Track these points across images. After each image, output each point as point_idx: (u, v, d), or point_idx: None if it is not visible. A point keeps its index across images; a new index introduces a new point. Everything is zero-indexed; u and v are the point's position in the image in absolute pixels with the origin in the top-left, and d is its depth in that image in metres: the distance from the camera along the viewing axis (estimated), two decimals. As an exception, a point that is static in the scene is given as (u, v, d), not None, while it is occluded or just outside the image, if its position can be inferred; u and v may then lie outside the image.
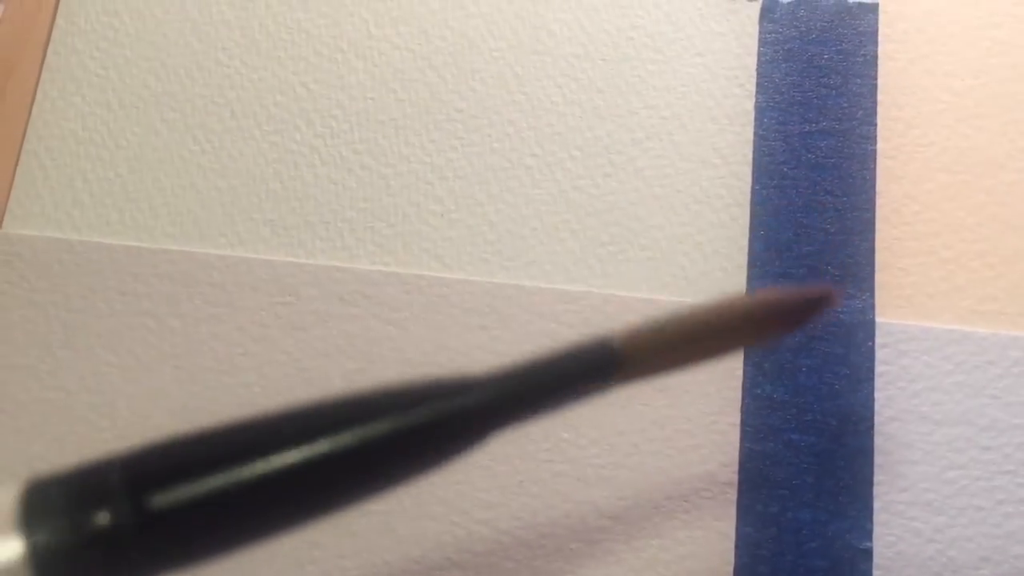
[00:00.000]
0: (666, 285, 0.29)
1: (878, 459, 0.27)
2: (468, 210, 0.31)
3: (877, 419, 0.27)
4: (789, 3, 0.32)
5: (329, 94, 0.32)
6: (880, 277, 0.29)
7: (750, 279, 0.29)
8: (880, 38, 0.31)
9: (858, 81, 0.31)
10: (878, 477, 0.27)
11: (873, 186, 0.30)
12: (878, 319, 0.28)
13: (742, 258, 0.29)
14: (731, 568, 0.26)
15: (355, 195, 0.31)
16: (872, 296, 0.29)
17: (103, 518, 0.14)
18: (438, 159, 0.31)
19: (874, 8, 0.31)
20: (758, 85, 0.31)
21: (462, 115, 0.32)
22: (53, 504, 0.14)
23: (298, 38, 0.32)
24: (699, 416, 0.28)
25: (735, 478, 0.27)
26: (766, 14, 0.32)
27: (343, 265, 0.30)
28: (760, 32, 0.32)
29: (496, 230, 0.30)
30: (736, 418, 0.27)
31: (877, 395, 0.27)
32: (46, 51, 0.33)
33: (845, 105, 0.31)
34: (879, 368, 0.28)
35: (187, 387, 0.29)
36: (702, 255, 0.30)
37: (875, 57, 0.31)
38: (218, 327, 0.29)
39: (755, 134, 0.31)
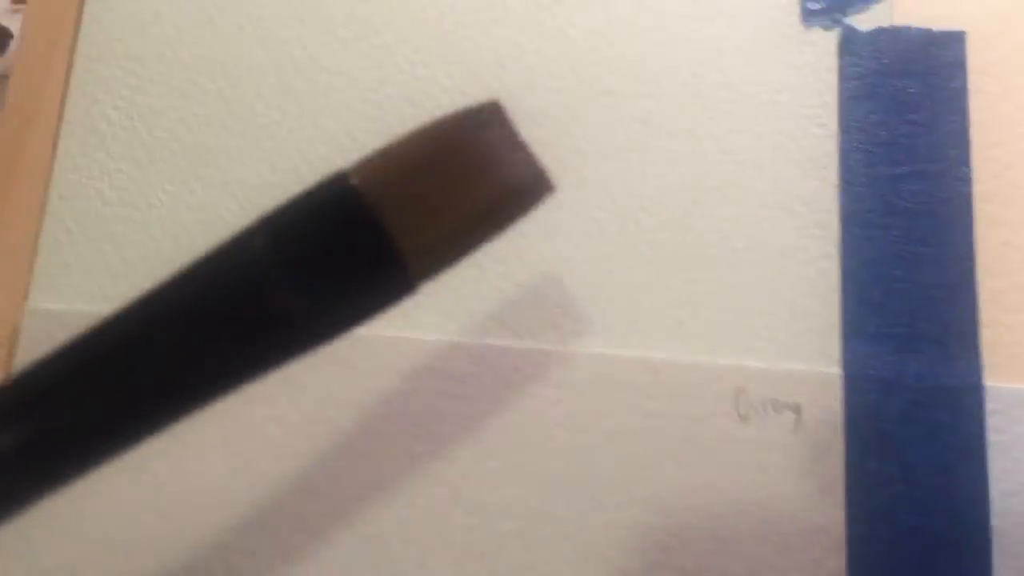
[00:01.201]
0: (752, 349, 0.28)
1: (997, 541, 0.25)
2: (535, 270, 0.29)
3: (993, 494, 0.26)
4: (869, 33, 0.30)
5: (375, 142, 0.30)
6: (985, 335, 0.27)
7: (845, 338, 0.28)
8: (969, 69, 0.30)
9: (948, 117, 0.30)
10: (997, 560, 0.25)
11: (971, 233, 0.29)
12: (986, 383, 0.27)
13: (834, 317, 0.28)
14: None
15: None
16: (978, 357, 0.27)
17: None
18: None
19: (960, 36, 0.30)
20: (840, 124, 0.30)
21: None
22: None
23: (338, 81, 0.31)
24: (800, 498, 0.26)
25: (842, 564, 0.25)
26: (845, 45, 0.30)
27: (404, 335, 0.28)
28: (840, 65, 0.30)
29: (566, 292, 0.29)
30: (840, 498, 0.26)
31: (991, 467, 0.26)
32: (64, 102, 0.31)
33: (936, 144, 0.29)
34: (991, 437, 0.27)
35: (234, 465, 0.27)
36: (790, 314, 0.28)
37: (964, 90, 0.30)
38: (272, 408, 0.28)
39: (840, 178, 0.29)
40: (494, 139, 0.21)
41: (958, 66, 0.31)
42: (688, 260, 0.30)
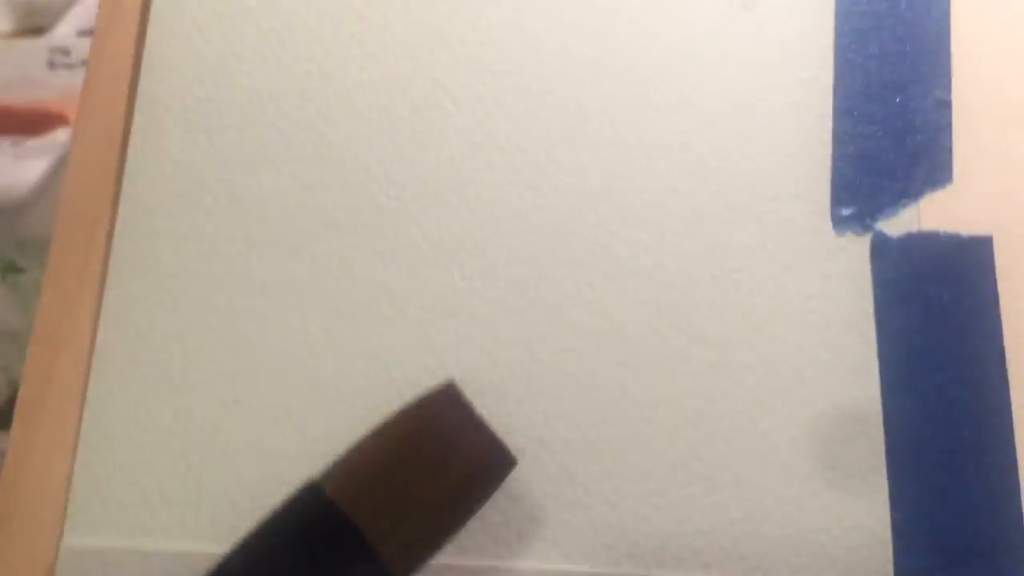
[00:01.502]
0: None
1: None
2: (584, 488, 0.29)
3: None
4: (899, 238, 0.31)
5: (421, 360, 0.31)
6: (1036, 551, 0.28)
7: (896, 553, 0.28)
8: (997, 274, 0.30)
9: (981, 323, 0.30)
10: None
11: (1013, 444, 0.29)
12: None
13: (885, 532, 0.28)
14: None
15: None
16: (1030, 574, 0.28)
17: None
18: (544, 432, 0.30)
19: (988, 241, 0.31)
20: (878, 331, 0.30)
21: (568, 379, 0.30)
22: None
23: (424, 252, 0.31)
24: None
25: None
26: (877, 251, 0.31)
27: (457, 563, 0.28)
28: (873, 271, 0.31)
29: (617, 509, 0.29)
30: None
31: None
32: (96, 327, 0.31)
33: (972, 351, 0.30)
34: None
35: None
36: (842, 530, 0.28)
37: (995, 295, 0.30)
38: None
39: (882, 387, 0.30)
40: (454, 422, 0.23)
41: (988, 271, 0.32)
42: (737, 477, 0.30)
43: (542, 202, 0.34)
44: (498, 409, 0.31)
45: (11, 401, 0.58)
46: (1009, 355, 0.32)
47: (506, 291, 0.33)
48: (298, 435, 0.31)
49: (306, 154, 0.34)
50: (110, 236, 0.34)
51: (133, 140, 0.34)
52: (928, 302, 0.32)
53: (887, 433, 0.31)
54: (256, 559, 0.21)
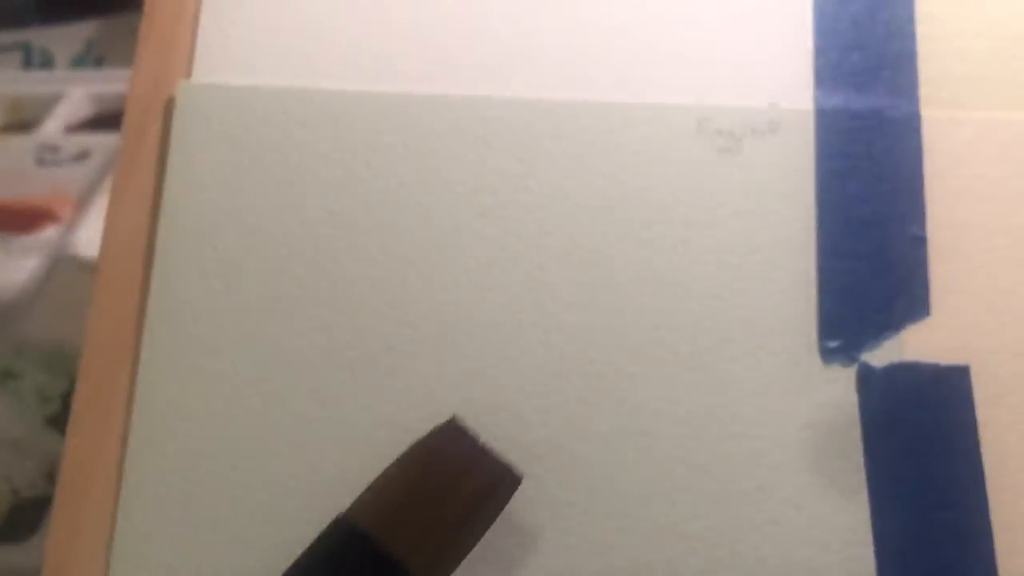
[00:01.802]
0: None
1: None
2: None
3: None
4: (884, 369, 0.33)
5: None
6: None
7: None
8: (976, 401, 0.33)
9: (962, 447, 0.33)
10: None
11: (994, 563, 0.32)
12: None
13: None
14: None
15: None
16: None
17: None
18: (562, 558, 0.31)
19: (965, 370, 0.33)
20: (866, 457, 0.33)
21: (574, 510, 0.32)
22: None
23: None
24: None
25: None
26: (863, 381, 0.34)
27: None
28: (860, 400, 0.33)
29: None
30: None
31: None
32: (120, 472, 0.32)
33: (954, 475, 0.33)
34: None
35: None
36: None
37: (974, 420, 0.33)
38: None
39: (872, 511, 0.32)
40: (461, 450, 0.26)
41: (966, 399, 0.35)
42: None
43: (546, 338, 0.36)
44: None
45: (13, 510, 0.58)
46: (988, 478, 0.34)
47: (511, 424, 0.35)
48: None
49: (319, 298, 0.36)
50: (132, 380, 0.35)
51: (152, 288, 0.36)
52: (912, 429, 0.35)
53: (877, 555, 0.33)
54: None
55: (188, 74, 0.39)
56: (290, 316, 0.36)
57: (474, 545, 0.25)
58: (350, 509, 0.24)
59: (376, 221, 0.37)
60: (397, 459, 0.26)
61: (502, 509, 0.26)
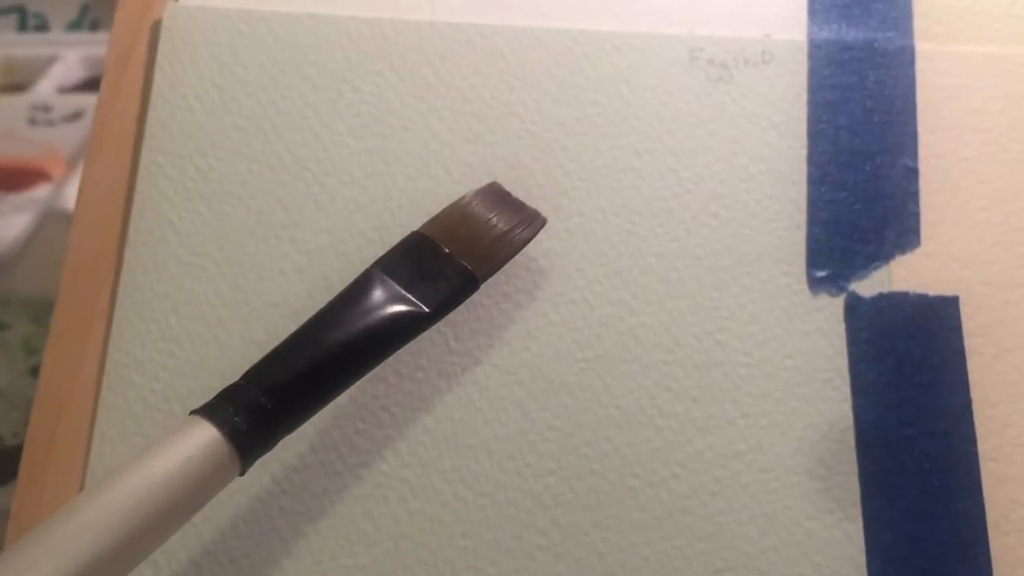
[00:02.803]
0: None
1: None
2: (574, 540, 0.31)
3: None
4: (872, 299, 0.33)
5: (413, 417, 0.32)
6: (1004, 596, 0.30)
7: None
8: (964, 331, 0.33)
9: (949, 378, 0.33)
10: None
11: (980, 491, 0.31)
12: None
13: (863, 578, 0.30)
14: None
15: (452, 531, 0.31)
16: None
17: (255, 409, 0.27)
18: (535, 485, 0.32)
19: (954, 301, 0.33)
20: (852, 387, 0.33)
21: (556, 434, 0.32)
22: (227, 412, 0.26)
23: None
24: None
25: None
26: (850, 311, 0.33)
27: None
28: (847, 330, 0.33)
29: (605, 561, 0.30)
30: None
31: None
32: (99, 388, 0.32)
33: (940, 404, 0.33)
34: None
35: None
36: (822, 578, 0.30)
37: (962, 351, 0.33)
38: None
39: (856, 441, 0.32)
40: (502, 197, 0.34)
41: (954, 329, 0.35)
42: (721, 527, 0.33)
43: (531, 264, 0.36)
44: (491, 465, 0.33)
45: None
46: (976, 408, 0.34)
47: (501, 354, 0.35)
48: (296, 493, 0.33)
49: (303, 220, 0.36)
50: (113, 299, 0.35)
51: (135, 207, 0.36)
52: (899, 359, 0.35)
53: (862, 484, 0.33)
54: (391, 273, 0.31)
55: (175, -2, 0.39)
56: (274, 238, 0.36)
57: (512, 256, 0.32)
58: (425, 224, 0.32)
59: (362, 145, 0.37)
60: (453, 202, 0.33)
61: (530, 239, 0.33)
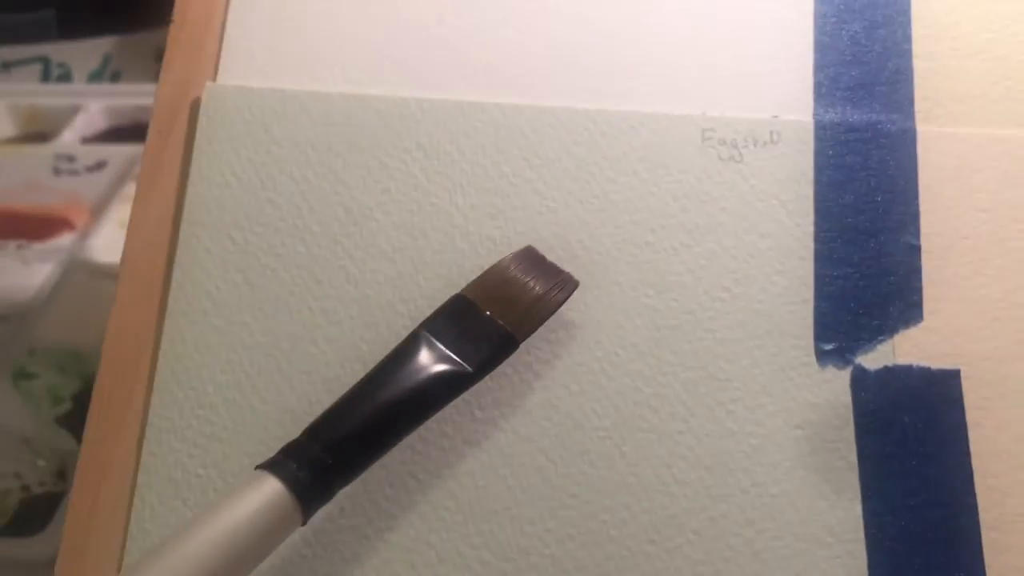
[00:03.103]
0: None
1: None
2: None
3: None
4: (877, 372, 0.34)
5: (439, 484, 0.34)
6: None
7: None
8: (966, 404, 0.34)
9: (952, 448, 0.34)
10: None
11: (982, 559, 0.33)
12: None
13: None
14: None
15: None
16: None
17: (316, 463, 0.29)
18: (557, 550, 0.33)
19: (956, 374, 0.35)
20: (859, 456, 0.34)
21: (575, 500, 0.34)
22: (290, 467, 0.29)
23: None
24: None
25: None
26: (857, 383, 0.35)
27: None
28: (854, 402, 0.34)
29: None
30: None
31: None
32: (140, 452, 0.34)
33: (943, 474, 0.34)
34: None
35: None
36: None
37: (964, 423, 0.34)
38: None
39: (864, 509, 0.33)
40: (537, 261, 0.36)
41: (956, 401, 0.36)
42: None
43: (551, 336, 0.37)
44: (514, 530, 0.35)
45: (23, 505, 0.60)
46: (977, 479, 0.36)
47: (523, 423, 0.36)
48: (325, 554, 0.34)
49: (334, 292, 0.38)
50: (153, 367, 0.37)
51: (175, 278, 0.38)
52: (904, 430, 0.36)
53: (869, 553, 0.35)
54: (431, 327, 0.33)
55: (214, 77, 0.41)
56: (307, 310, 0.38)
57: (546, 319, 0.34)
58: (467, 288, 0.35)
59: (391, 220, 0.39)
60: (492, 265, 0.35)
61: (564, 301, 0.35)
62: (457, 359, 0.32)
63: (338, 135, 0.40)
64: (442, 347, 0.32)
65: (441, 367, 0.32)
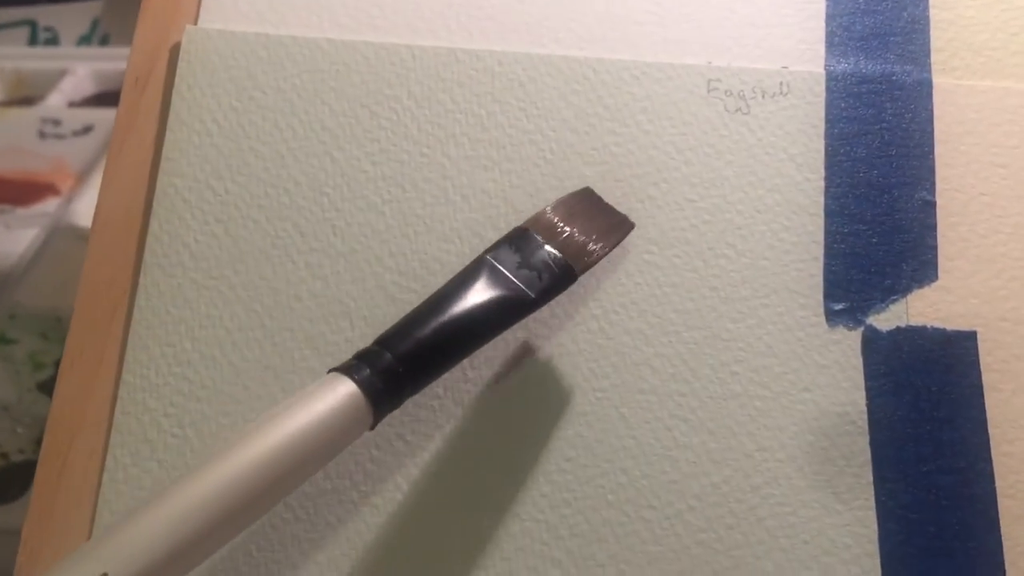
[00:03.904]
0: None
1: None
2: (588, 573, 0.31)
3: None
4: (889, 333, 0.33)
5: (428, 446, 0.32)
6: (1024, 636, 0.29)
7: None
8: (982, 367, 0.32)
9: (967, 412, 0.32)
10: None
11: (998, 528, 0.31)
12: None
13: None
14: None
15: (466, 560, 0.30)
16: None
17: (388, 370, 0.29)
18: (551, 515, 0.31)
19: (972, 336, 0.33)
20: (869, 421, 0.32)
21: (572, 464, 0.32)
22: (364, 372, 0.29)
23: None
24: None
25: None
26: (868, 345, 0.33)
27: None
28: (864, 364, 0.32)
29: None
30: None
31: None
32: (113, 412, 0.32)
33: (959, 440, 0.32)
34: None
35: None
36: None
37: (980, 387, 0.32)
38: None
39: (874, 475, 0.32)
40: (595, 202, 0.36)
41: (972, 364, 0.34)
42: (737, 561, 0.33)
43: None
44: (504, 496, 0.33)
45: (1, 473, 0.58)
46: (993, 445, 0.34)
47: (516, 383, 0.34)
48: (309, 520, 0.33)
49: (319, 246, 0.36)
50: (128, 323, 0.35)
51: (151, 230, 0.36)
52: (917, 394, 0.34)
53: (880, 520, 0.33)
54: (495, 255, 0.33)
55: (195, 21, 0.39)
56: (290, 263, 0.36)
57: (603, 256, 0.33)
58: (529, 220, 0.34)
59: (380, 171, 0.37)
60: (553, 202, 0.35)
61: (622, 240, 0.35)
62: (520, 285, 0.32)
63: (325, 82, 0.38)
64: (506, 273, 0.32)
65: (504, 291, 0.32)
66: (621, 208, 0.36)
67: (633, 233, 0.36)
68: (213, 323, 0.35)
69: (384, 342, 0.30)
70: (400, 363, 0.30)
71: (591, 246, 0.34)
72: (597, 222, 0.35)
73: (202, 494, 0.26)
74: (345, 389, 0.29)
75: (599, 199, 0.36)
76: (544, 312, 0.35)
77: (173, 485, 0.26)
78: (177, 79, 0.38)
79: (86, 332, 0.36)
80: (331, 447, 0.28)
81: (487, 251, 0.34)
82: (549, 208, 0.35)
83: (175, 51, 0.39)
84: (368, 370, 0.29)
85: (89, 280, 0.36)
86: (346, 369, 0.29)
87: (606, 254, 0.34)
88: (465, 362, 0.35)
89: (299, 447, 0.27)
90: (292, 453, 0.27)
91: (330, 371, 0.30)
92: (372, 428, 0.30)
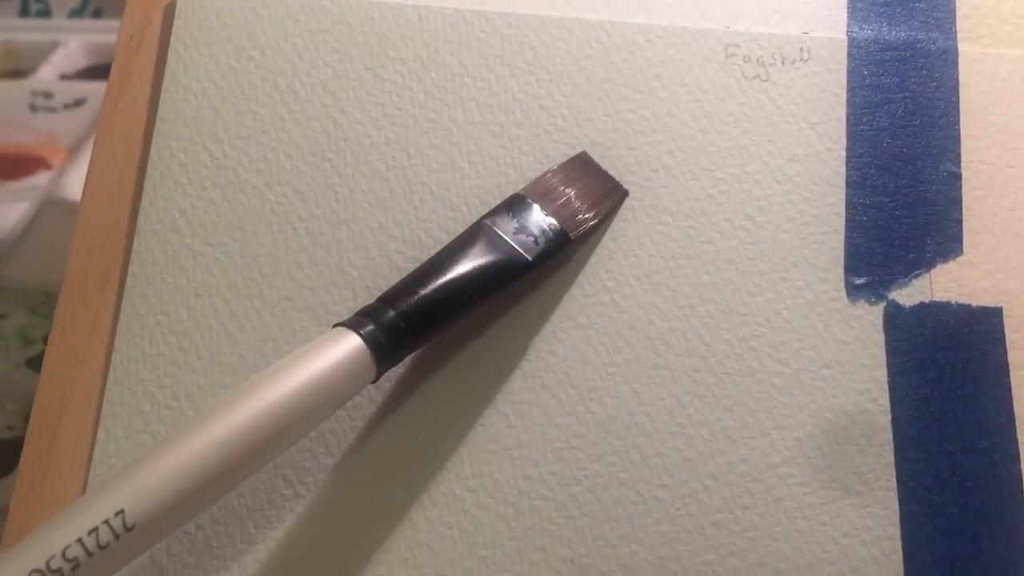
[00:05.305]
0: None
1: None
2: (599, 553, 0.29)
3: None
4: (912, 308, 0.31)
5: (431, 421, 0.31)
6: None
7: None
8: (1008, 344, 0.31)
9: (992, 391, 0.31)
10: None
11: (1022, 511, 0.29)
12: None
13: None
14: None
15: (473, 540, 0.30)
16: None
17: (391, 326, 0.30)
18: (561, 494, 0.30)
19: (998, 312, 0.31)
20: (891, 399, 0.31)
21: (582, 441, 0.31)
22: (368, 326, 0.30)
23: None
24: None
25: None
26: (890, 320, 0.32)
27: None
28: (886, 340, 0.31)
29: (632, 575, 0.29)
30: None
31: None
32: (105, 383, 0.30)
33: (983, 419, 0.31)
34: None
35: None
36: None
37: (1006, 364, 0.31)
38: None
39: (896, 456, 0.30)
40: (590, 167, 0.35)
41: (998, 341, 0.33)
42: (753, 542, 0.32)
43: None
44: (515, 473, 0.32)
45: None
46: (1019, 424, 0.32)
47: (526, 358, 0.33)
48: (308, 496, 0.31)
49: (321, 212, 0.34)
50: (120, 291, 0.34)
51: (145, 195, 0.34)
52: (940, 371, 0.33)
53: (901, 502, 0.32)
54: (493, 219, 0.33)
55: (192, -22, 0.38)
56: (290, 230, 0.35)
57: (595, 221, 0.34)
58: (525, 187, 0.35)
59: (384, 135, 0.36)
60: (550, 169, 0.35)
61: (617, 208, 0.35)
62: (517, 249, 0.33)
63: (327, 42, 0.37)
64: (504, 237, 0.33)
65: (502, 255, 0.33)
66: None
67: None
68: (209, 291, 0.34)
69: (387, 299, 0.31)
70: (402, 319, 0.30)
71: (585, 213, 0.34)
72: (592, 188, 0.35)
73: (215, 438, 0.26)
74: (350, 343, 0.29)
75: (596, 165, 0.36)
76: (554, 283, 0.34)
77: (187, 427, 0.27)
78: (173, 38, 0.36)
79: (77, 300, 0.34)
80: (336, 397, 0.29)
81: (485, 216, 0.34)
82: (548, 174, 0.35)
83: (171, 8, 0.37)
84: (372, 325, 0.30)
85: (80, 246, 0.35)
86: (352, 324, 0.30)
87: (599, 220, 0.34)
88: (471, 336, 0.33)
89: (307, 396, 0.28)
90: (301, 401, 0.28)
91: (335, 325, 0.30)
92: (374, 382, 0.31)
